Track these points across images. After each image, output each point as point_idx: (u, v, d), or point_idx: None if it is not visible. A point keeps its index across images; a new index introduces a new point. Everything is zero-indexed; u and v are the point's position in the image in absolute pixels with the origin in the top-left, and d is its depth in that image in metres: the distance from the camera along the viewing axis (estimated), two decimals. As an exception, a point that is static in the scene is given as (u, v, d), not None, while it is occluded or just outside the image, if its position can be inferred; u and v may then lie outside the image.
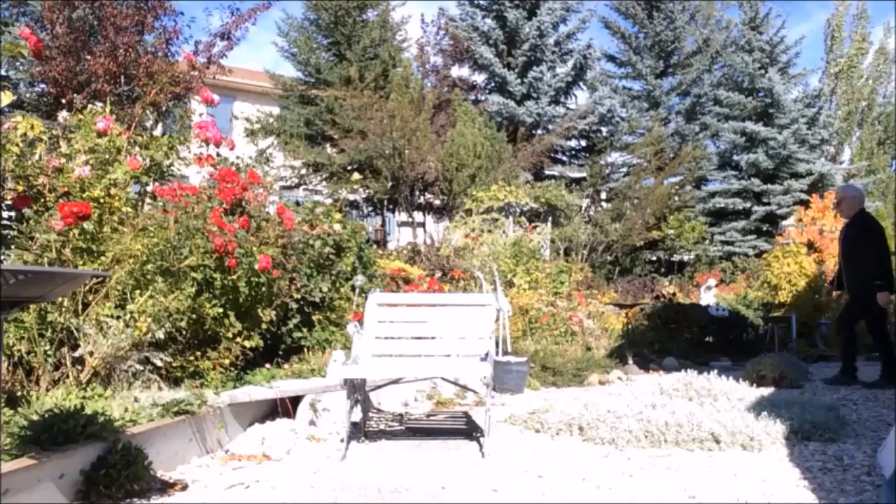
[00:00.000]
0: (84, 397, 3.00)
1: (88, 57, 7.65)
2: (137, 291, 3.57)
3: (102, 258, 3.49)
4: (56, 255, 3.32)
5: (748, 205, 20.04)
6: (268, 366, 4.60)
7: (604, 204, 18.60)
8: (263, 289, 4.39)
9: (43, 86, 8.09)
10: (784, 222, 18.46)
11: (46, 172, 3.52)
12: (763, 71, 20.50)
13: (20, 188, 3.41)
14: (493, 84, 18.26)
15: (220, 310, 3.97)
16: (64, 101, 7.34)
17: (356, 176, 9.20)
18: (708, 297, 14.67)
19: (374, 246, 8.31)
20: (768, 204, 19.78)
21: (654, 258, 19.76)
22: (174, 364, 3.77)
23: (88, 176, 3.56)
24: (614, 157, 19.06)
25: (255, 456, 3.42)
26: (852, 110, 29.84)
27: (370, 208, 16.57)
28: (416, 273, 8.09)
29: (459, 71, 18.90)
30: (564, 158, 19.24)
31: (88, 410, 2.75)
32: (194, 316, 3.86)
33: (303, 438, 3.79)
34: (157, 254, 3.70)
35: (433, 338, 4.26)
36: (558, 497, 2.79)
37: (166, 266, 3.76)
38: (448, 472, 3.17)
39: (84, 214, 3.26)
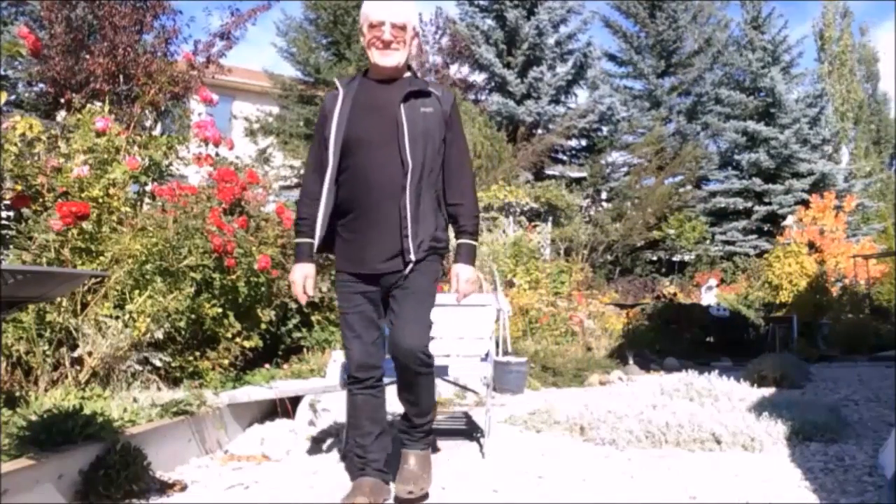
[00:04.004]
0: (83, 398, 2.99)
1: (87, 56, 7.64)
2: (136, 291, 3.56)
3: (101, 258, 3.48)
4: (55, 255, 3.31)
5: (749, 204, 20.03)
6: (267, 366, 4.59)
7: (604, 204, 18.60)
8: (263, 289, 4.38)
9: (41, 85, 8.08)
10: (785, 222, 18.47)
11: (45, 172, 3.51)
12: (765, 70, 20.49)
13: (19, 188, 3.40)
14: (493, 83, 18.26)
15: (220, 310, 3.96)
16: (62, 100, 7.32)
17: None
18: (709, 297, 14.68)
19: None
20: (769, 204, 19.77)
21: (655, 258, 19.75)
22: (173, 364, 3.76)
23: (87, 176, 3.55)
24: (615, 156, 19.06)
25: (254, 456, 3.41)
26: (847, 109, 29.89)
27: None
28: (416, 273, 8.06)
29: (459, 70, 18.90)
30: (565, 158, 19.23)
31: (87, 411, 2.74)
32: (193, 316, 3.86)
33: (302, 439, 3.78)
34: (155, 254, 3.69)
35: (433, 338, 4.25)
36: (558, 497, 2.78)
37: (165, 266, 3.75)
38: (448, 472, 3.15)
39: (83, 214, 3.25)
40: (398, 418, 2.80)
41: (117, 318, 3.40)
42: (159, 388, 3.48)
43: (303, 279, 2.68)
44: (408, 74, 2.73)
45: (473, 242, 2.70)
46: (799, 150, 19.87)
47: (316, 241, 2.64)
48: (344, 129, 2.59)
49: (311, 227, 2.64)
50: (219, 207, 4.21)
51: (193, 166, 4.69)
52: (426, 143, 2.58)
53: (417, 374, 2.58)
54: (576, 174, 18.36)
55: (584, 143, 19.14)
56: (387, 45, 2.62)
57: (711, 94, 21.39)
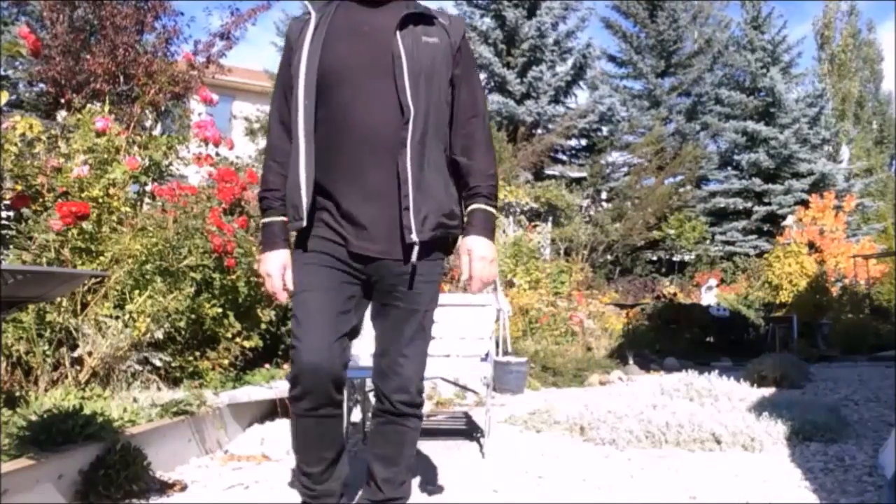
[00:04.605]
0: (83, 398, 2.99)
1: (88, 56, 7.65)
2: (136, 291, 3.56)
3: (101, 258, 3.48)
4: (55, 255, 3.31)
5: (749, 204, 20.05)
6: (267, 366, 4.58)
7: (604, 204, 18.60)
8: (263, 288, 4.38)
9: (42, 85, 8.08)
10: (785, 222, 18.51)
11: (45, 172, 3.51)
12: (765, 70, 20.51)
13: (19, 188, 3.40)
14: (492, 83, 18.26)
15: (220, 310, 3.96)
16: (63, 100, 7.32)
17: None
18: (709, 297, 14.69)
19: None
20: (769, 204, 19.78)
21: (655, 258, 19.77)
22: (173, 364, 3.76)
23: (87, 175, 3.54)
24: (615, 156, 19.08)
25: (254, 456, 3.41)
26: (846, 109, 29.87)
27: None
28: (416, 273, 8.06)
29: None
30: (565, 158, 19.24)
31: (87, 411, 2.74)
32: (193, 316, 3.85)
33: (302, 439, 3.78)
34: (155, 254, 3.69)
35: (433, 338, 4.25)
36: (559, 497, 2.78)
37: (165, 266, 3.74)
38: (448, 472, 3.15)
39: (83, 214, 3.25)
40: (365, 487, 2.05)
41: (117, 318, 3.40)
42: (159, 388, 3.48)
43: (281, 271, 1.97)
44: None
45: (491, 209, 1.95)
46: (799, 149, 19.88)
47: (304, 214, 1.87)
48: (318, 60, 1.87)
49: (283, 199, 1.95)
50: (219, 207, 4.21)
51: (193, 166, 4.69)
52: (431, 84, 1.88)
53: (404, 419, 1.95)
54: (576, 174, 18.37)
55: (584, 143, 19.14)
56: None
57: (711, 94, 21.41)
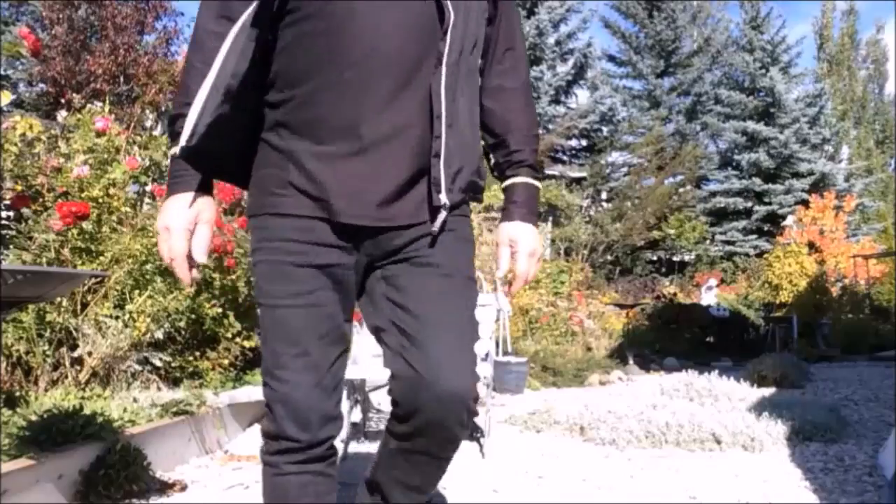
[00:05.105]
0: (83, 398, 2.99)
1: (88, 57, 7.66)
2: (136, 291, 3.57)
3: (101, 258, 3.49)
4: (55, 255, 3.31)
5: (749, 204, 20.05)
6: (267, 366, 4.58)
7: (604, 204, 18.61)
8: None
9: (42, 85, 8.09)
10: (785, 222, 18.51)
11: (45, 172, 3.51)
12: (764, 70, 20.52)
13: (19, 188, 3.40)
14: (493, 84, 18.26)
15: (220, 310, 3.97)
16: (63, 100, 7.33)
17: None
18: (709, 297, 14.68)
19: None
20: (769, 203, 19.79)
21: (655, 258, 19.77)
22: (173, 364, 3.76)
23: (87, 176, 3.55)
24: (615, 156, 19.09)
25: (254, 456, 3.41)
26: (847, 109, 29.85)
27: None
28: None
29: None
30: (565, 158, 19.24)
31: (87, 411, 2.74)
32: (193, 316, 3.86)
33: (302, 439, 3.78)
34: (155, 254, 3.69)
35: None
36: (559, 497, 2.78)
37: (165, 266, 3.74)
38: (448, 472, 3.15)
39: (83, 214, 3.25)
40: (363, 489, 1.61)
41: (117, 318, 3.40)
42: (159, 388, 3.48)
43: (185, 225, 1.26)
44: None
45: (537, 183, 1.44)
46: (799, 149, 19.89)
47: (185, 133, 1.18)
48: None
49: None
50: (218, 207, 4.21)
51: (193, 166, 4.69)
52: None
53: (450, 443, 1.40)
54: (576, 174, 18.37)
55: (584, 143, 19.15)
56: None
57: (711, 94, 21.43)
